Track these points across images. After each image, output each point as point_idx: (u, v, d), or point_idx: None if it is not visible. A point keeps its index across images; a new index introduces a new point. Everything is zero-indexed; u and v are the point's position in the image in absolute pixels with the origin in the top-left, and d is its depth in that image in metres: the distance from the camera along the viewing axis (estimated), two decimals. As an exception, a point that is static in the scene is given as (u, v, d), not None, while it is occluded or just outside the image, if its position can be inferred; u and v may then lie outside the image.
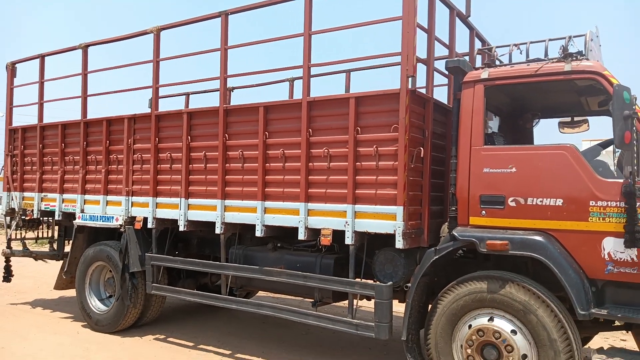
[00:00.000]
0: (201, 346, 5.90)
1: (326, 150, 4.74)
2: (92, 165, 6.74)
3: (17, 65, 7.91)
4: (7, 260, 7.97)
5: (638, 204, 3.56)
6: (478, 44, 5.79)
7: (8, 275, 7.95)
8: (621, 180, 3.59)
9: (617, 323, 4.09)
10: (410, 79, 4.33)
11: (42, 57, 7.47)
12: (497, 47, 4.49)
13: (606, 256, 3.68)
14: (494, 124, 5.05)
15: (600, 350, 3.71)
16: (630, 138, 3.40)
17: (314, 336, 6.38)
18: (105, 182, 6.55)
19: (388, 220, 4.40)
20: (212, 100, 7.48)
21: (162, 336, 6.28)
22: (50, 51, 7.42)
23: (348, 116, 4.62)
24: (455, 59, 4.52)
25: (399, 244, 4.31)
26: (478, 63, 5.19)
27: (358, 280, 4.65)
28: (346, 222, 4.60)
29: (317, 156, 4.83)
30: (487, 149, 4.16)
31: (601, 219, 3.66)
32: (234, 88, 7.99)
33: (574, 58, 3.98)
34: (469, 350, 4.02)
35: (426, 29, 4.67)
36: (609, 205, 3.63)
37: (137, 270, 6.15)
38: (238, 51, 5.51)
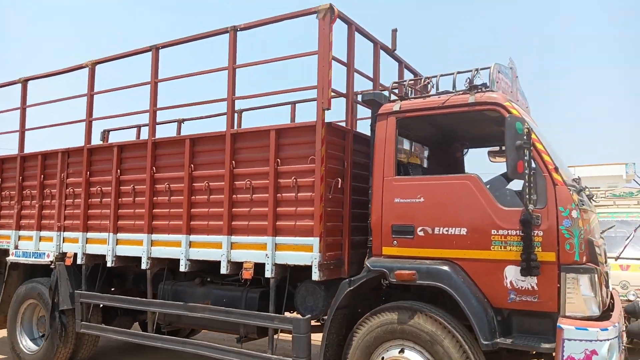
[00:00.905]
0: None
1: (249, 182, 4.74)
2: (28, 200, 6.62)
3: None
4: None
5: (535, 232, 3.61)
6: (409, 76, 5.92)
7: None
8: (520, 209, 3.63)
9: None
10: (325, 111, 4.39)
11: (24, 82, 6.92)
12: (410, 80, 4.59)
13: (509, 285, 3.69)
14: (421, 155, 5.12)
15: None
16: (523, 167, 3.47)
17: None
18: (39, 217, 6.43)
19: (306, 251, 4.37)
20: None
21: (92, 377, 6.06)
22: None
23: (269, 148, 4.64)
24: (371, 92, 4.62)
25: (315, 275, 4.27)
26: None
27: (277, 314, 4.57)
28: (266, 255, 4.55)
29: (240, 188, 4.81)
30: (398, 179, 4.20)
31: (502, 247, 3.69)
32: (191, 118, 7.79)
33: (479, 90, 4.09)
34: (378, 384, 3.95)
35: (345, 63, 4.77)
36: (510, 233, 3.66)
37: (67, 308, 5.98)
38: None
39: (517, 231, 3.63)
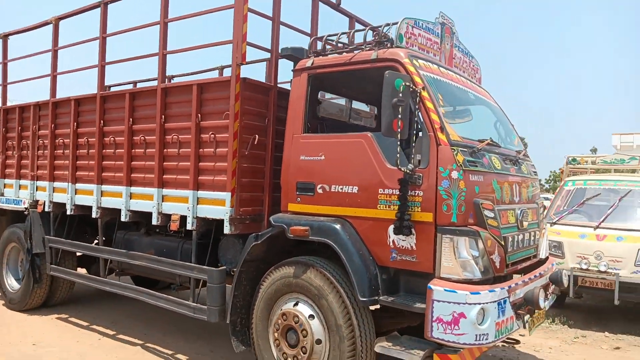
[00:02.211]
0: (93, 326, 6.13)
1: (176, 137, 4.85)
2: (11, 150, 7.04)
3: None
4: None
5: (416, 192, 3.53)
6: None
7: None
8: (403, 169, 3.55)
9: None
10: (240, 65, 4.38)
11: (4, 37, 7.34)
12: (328, 35, 4.46)
13: (391, 244, 3.66)
14: (345, 113, 5.04)
15: (387, 338, 3.71)
16: (397, 126, 3.37)
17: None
18: (18, 166, 6.84)
19: (220, 206, 4.47)
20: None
21: (65, 316, 6.54)
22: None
23: (192, 104, 4.70)
24: (289, 47, 4.52)
25: (227, 229, 4.38)
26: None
27: (196, 265, 4.74)
28: (188, 208, 4.70)
29: (170, 142, 4.93)
30: (304, 137, 4.18)
31: (387, 206, 3.64)
32: (173, 76, 7.95)
33: (384, 46, 3.95)
34: (276, 334, 4.09)
35: (270, 17, 4.69)
36: (394, 192, 3.60)
37: (40, 252, 6.42)
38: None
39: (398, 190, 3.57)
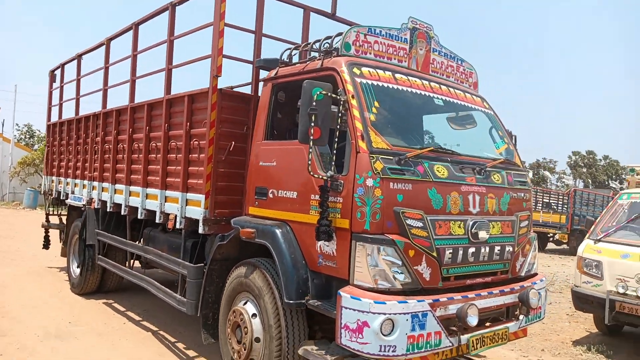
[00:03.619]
0: (127, 312, 6.88)
1: (174, 143, 5.34)
2: (80, 154, 8.13)
3: (56, 72, 9.66)
4: (46, 232, 9.85)
5: (337, 199, 3.58)
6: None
7: (47, 244, 9.85)
8: (322, 176, 3.61)
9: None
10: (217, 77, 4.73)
11: (78, 57, 8.53)
12: (295, 47, 4.62)
13: (319, 249, 3.73)
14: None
15: (316, 342, 3.78)
16: (315, 134, 3.45)
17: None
18: (82, 168, 7.89)
19: (197, 207, 4.85)
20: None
21: (110, 301, 7.40)
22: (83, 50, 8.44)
23: (183, 113, 5.15)
24: (262, 58, 4.77)
25: (201, 229, 4.74)
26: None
27: (181, 261, 5.15)
28: (178, 208, 5.15)
29: (172, 148, 5.43)
30: (263, 144, 4.40)
31: (317, 212, 3.72)
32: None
33: (332, 55, 4.03)
34: (228, 330, 4.35)
35: (252, 30, 4.98)
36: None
37: (92, 243, 7.35)
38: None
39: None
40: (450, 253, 3.71)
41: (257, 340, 4.03)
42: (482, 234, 3.92)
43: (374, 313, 3.26)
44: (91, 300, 7.40)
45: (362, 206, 3.44)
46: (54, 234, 9.93)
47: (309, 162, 3.50)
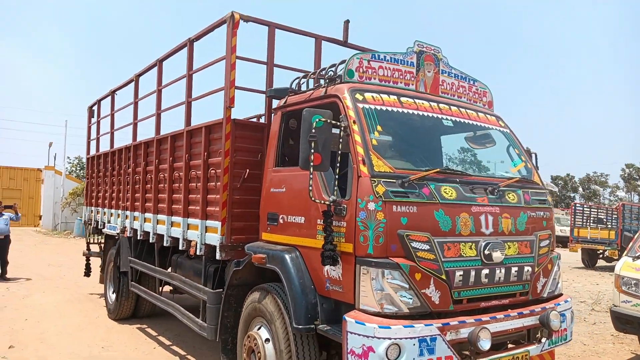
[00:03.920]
0: (159, 337, 7.06)
1: (194, 173, 5.52)
2: (115, 185, 8.50)
3: (93, 107, 10.17)
4: (87, 260, 10.26)
5: (341, 223, 3.60)
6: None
7: (88, 272, 10.24)
8: (324, 201, 3.65)
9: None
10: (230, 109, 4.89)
11: (112, 93, 8.99)
12: (303, 76, 4.71)
13: (326, 273, 3.76)
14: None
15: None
16: (315, 160, 3.51)
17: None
18: (117, 199, 8.23)
19: (215, 234, 4.98)
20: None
21: (144, 326, 7.61)
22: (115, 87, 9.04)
23: (201, 143, 5.33)
24: (273, 88, 4.90)
25: (218, 255, 4.86)
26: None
27: (202, 287, 5.26)
28: (198, 235, 5.30)
29: (193, 177, 5.61)
30: (274, 170, 4.49)
31: (322, 236, 3.75)
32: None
33: (335, 82, 4.11)
34: (244, 354, 4.40)
35: (264, 62, 5.14)
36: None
37: (125, 270, 7.61)
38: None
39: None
40: (460, 275, 3.65)
41: (271, 365, 4.07)
42: (497, 255, 3.85)
43: (379, 338, 3.24)
44: (125, 326, 7.62)
45: (364, 230, 3.45)
46: (96, 262, 10.32)
47: (310, 188, 3.56)
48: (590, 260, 19.59)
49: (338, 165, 3.60)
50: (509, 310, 3.95)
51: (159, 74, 6.70)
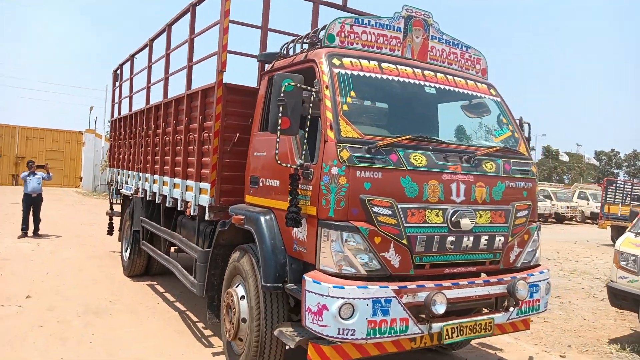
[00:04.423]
0: (165, 293, 7.40)
1: (191, 136, 5.69)
2: (131, 148, 8.81)
3: (117, 71, 10.48)
4: (110, 219, 10.74)
5: (308, 187, 3.68)
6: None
7: (111, 230, 10.73)
8: (290, 165, 3.73)
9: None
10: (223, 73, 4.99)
11: (131, 57, 9.23)
12: (292, 40, 4.73)
13: (294, 235, 3.87)
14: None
15: (292, 324, 3.90)
16: (283, 124, 3.58)
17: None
18: (132, 160, 8.54)
19: (205, 195, 5.15)
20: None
21: (154, 283, 7.98)
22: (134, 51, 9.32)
23: (198, 107, 5.47)
24: (264, 53, 4.95)
25: (207, 216, 5.04)
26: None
27: (194, 245, 5.48)
28: (192, 196, 5.49)
29: (191, 141, 5.78)
30: (258, 134, 4.59)
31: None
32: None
33: (316, 46, 4.13)
34: (223, 310, 4.60)
35: (258, 26, 5.18)
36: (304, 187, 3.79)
37: (138, 229, 7.96)
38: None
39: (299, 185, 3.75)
40: (423, 241, 3.70)
41: (244, 320, 4.26)
42: (465, 223, 3.86)
43: (332, 297, 3.35)
44: (138, 282, 8.02)
45: (327, 194, 3.53)
46: (118, 222, 10.78)
47: (276, 152, 3.64)
48: (619, 237, 18.96)
49: (307, 129, 3.66)
50: (477, 278, 3.98)
51: (167, 38, 6.84)
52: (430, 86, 4.33)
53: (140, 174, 7.78)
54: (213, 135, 5.01)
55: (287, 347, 3.89)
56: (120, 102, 10.04)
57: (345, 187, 3.50)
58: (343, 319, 3.34)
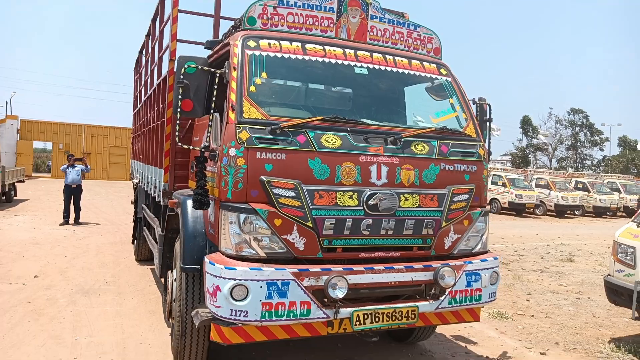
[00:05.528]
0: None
1: (156, 124, 5.86)
2: (137, 139, 9.19)
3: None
4: (135, 208, 11.27)
5: (213, 169, 3.70)
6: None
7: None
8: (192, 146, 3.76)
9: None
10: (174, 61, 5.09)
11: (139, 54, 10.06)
12: (232, 26, 4.72)
13: (209, 218, 3.90)
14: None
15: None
16: (185, 106, 3.62)
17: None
18: (136, 151, 8.92)
19: (163, 181, 5.30)
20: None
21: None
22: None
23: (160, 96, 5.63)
24: (210, 40, 4.98)
25: (161, 201, 5.19)
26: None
27: (158, 229, 5.65)
28: (157, 182, 5.66)
29: (158, 127, 5.95)
30: (197, 120, 4.64)
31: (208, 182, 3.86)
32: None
33: (238, 30, 4.11)
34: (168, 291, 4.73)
35: (210, 15, 5.24)
36: (210, 170, 3.83)
37: (140, 216, 8.33)
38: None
39: (212, 167, 3.78)
40: (332, 224, 3.61)
41: (174, 301, 4.36)
42: (385, 206, 3.73)
43: (224, 278, 3.36)
44: (142, 267, 8.38)
45: (225, 175, 3.53)
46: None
47: (177, 134, 3.68)
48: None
49: (213, 111, 3.68)
50: (398, 263, 3.84)
51: (150, 32, 7.06)
52: (362, 66, 4.19)
53: (138, 162, 8.12)
54: (166, 121, 5.13)
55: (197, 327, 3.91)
56: (136, 97, 10.47)
57: (244, 169, 3.48)
58: (235, 300, 3.34)
